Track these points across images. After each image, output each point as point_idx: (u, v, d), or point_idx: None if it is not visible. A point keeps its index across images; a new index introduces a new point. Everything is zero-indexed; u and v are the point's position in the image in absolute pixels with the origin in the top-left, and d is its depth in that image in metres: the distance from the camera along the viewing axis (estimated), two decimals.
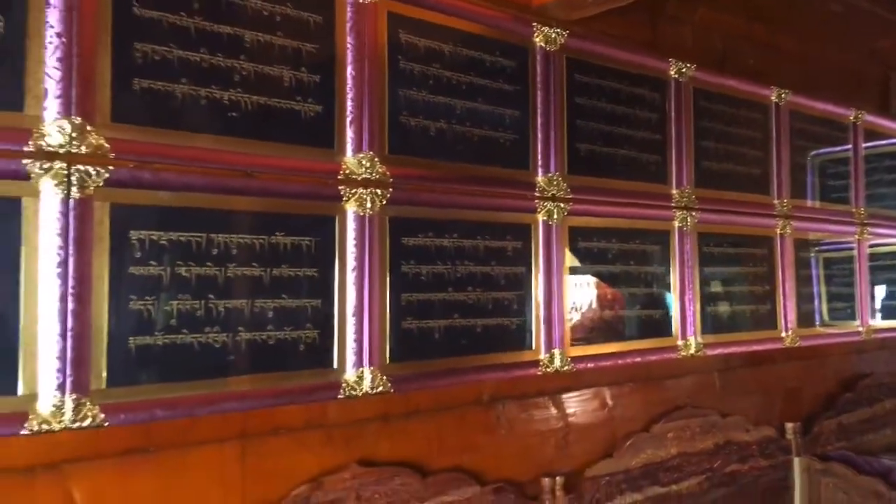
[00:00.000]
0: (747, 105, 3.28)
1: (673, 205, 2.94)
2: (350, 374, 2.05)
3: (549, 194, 2.54)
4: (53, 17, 1.64)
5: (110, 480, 1.72)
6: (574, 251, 2.62)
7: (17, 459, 1.62)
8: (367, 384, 2.07)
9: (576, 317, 2.61)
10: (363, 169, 2.09)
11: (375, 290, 2.10)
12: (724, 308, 3.14)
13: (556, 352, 2.52)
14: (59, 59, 1.64)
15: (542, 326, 2.51)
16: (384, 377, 2.10)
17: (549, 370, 2.50)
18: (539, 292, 2.51)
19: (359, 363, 2.06)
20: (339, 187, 2.05)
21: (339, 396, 2.03)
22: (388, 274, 2.15)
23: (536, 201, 2.51)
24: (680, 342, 2.93)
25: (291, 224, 1.97)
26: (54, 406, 1.61)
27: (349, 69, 2.09)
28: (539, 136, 2.54)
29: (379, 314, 2.11)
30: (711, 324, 3.07)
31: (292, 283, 1.96)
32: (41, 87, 1.62)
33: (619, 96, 2.80)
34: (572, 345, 2.58)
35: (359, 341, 2.06)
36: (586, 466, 2.63)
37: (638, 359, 2.78)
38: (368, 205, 2.10)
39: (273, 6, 1.96)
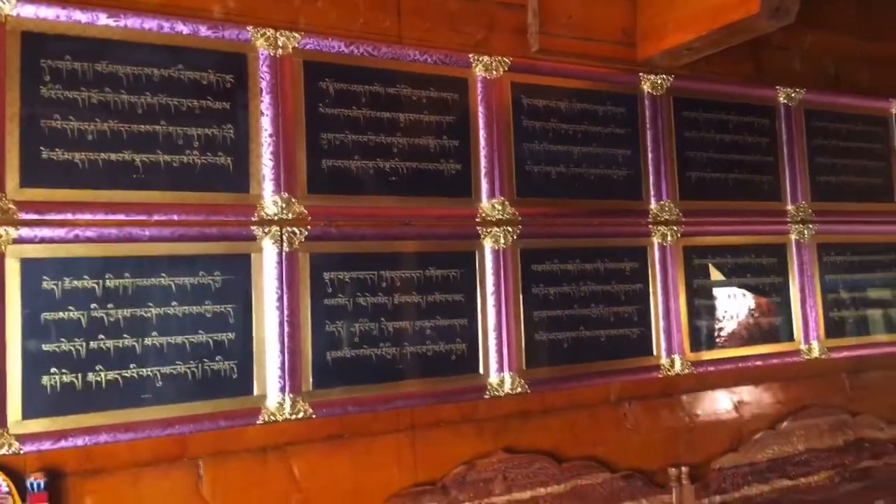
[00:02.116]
0: (864, 119, 3.44)
1: (788, 219, 3.18)
2: (494, 378, 2.54)
3: (662, 219, 2.90)
4: (267, 123, 2.28)
5: (318, 458, 2.31)
6: (689, 267, 2.95)
7: (254, 442, 2.24)
8: (507, 386, 2.55)
9: (698, 324, 2.93)
10: (496, 211, 2.59)
11: (511, 309, 2.58)
12: (849, 314, 3.30)
13: (676, 357, 2.87)
14: (272, 153, 2.28)
15: (662, 335, 2.87)
16: (521, 380, 2.57)
17: (670, 373, 2.85)
18: (657, 305, 2.87)
19: (500, 369, 2.55)
20: (478, 228, 2.56)
21: (486, 396, 2.53)
22: (521, 295, 2.62)
23: (650, 226, 2.89)
24: (803, 346, 3.15)
25: (441, 260, 2.51)
26: (278, 403, 2.23)
27: (481, 133, 2.60)
28: (650, 169, 2.92)
29: (515, 329, 2.59)
30: (837, 329, 3.25)
31: (444, 306, 2.49)
32: (260, 173, 2.26)
33: (727, 126, 3.11)
34: (692, 350, 2.91)
35: (499, 351, 2.55)
36: (711, 460, 2.93)
37: (759, 363, 3.04)
38: (502, 240, 2.59)
39: (420, 92, 2.52)
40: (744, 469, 2.95)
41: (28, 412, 1.92)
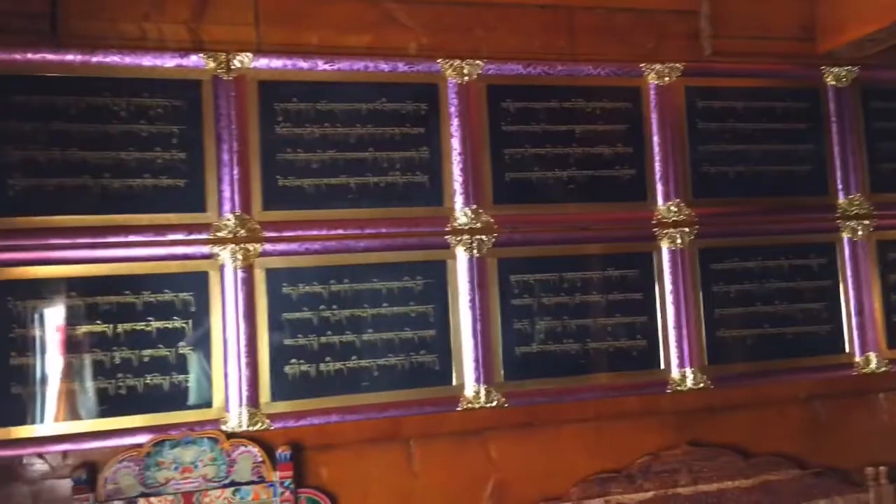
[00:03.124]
0: None
1: None
2: (675, 374, 2.64)
3: (852, 213, 2.84)
4: (456, 143, 2.56)
5: (512, 443, 2.55)
6: (883, 262, 2.85)
7: (455, 427, 2.52)
8: (689, 382, 2.64)
9: (895, 320, 2.83)
10: (672, 213, 2.69)
11: (690, 307, 2.67)
12: None
13: (872, 355, 2.79)
14: (461, 169, 2.55)
15: (855, 332, 2.80)
16: (704, 376, 2.65)
17: (864, 371, 2.78)
18: (849, 301, 2.81)
19: (681, 365, 2.65)
20: (654, 229, 2.68)
21: (668, 391, 2.63)
22: (700, 293, 2.70)
23: (838, 221, 2.83)
24: None
25: (619, 261, 2.65)
26: (474, 392, 2.49)
27: (655, 138, 2.72)
28: (837, 163, 2.86)
29: (695, 326, 2.67)
30: None
31: (624, 305, 2.64)
32: (452, 188, 2.55)
33: None
34: (889, 347, 2.81)
35: (679, 348, 2.65)
36: None
37: None
38: (679, 241, 2.69)
39: (594, 103, 2.69)
40: None
41: (275, 395, 2.33)
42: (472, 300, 2.52)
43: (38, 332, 2.17)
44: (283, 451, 2.27)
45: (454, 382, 2.49)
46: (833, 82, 2.88)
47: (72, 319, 2.20)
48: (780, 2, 2.80)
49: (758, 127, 2.83)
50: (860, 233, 2.84)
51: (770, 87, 2.84)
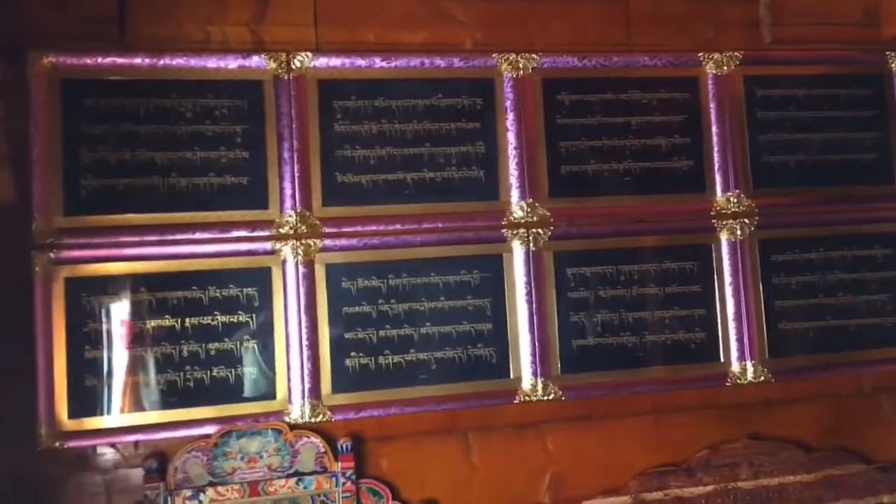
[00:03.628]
0: None
1: None
2: (735, 367, 2.61)
3: None
4: (511, 137, 2.56)
5: (569, 436, 2.56)
6: None
7: (513, 419, 2.54)
8: (750, 375, 2.61)
9: None
10: (731, 204, 2.65)
11: (750, 299, 2.63)
12: None
13: None
14: (517, 163, 2.56)
15: None
16: (764, 369, 2.61)
17: None
18: None
19: (741, 358, 2.61)
20: (713, 221, 2.64)
21: (727, 384, 2.61)
22: (760, 285, 2.65)
23: None
24: None
25: (677, 253, 2.63)
26: (531, 385, 2.50)
27: (713, 128, 2.68)
28: None
29: (756, 318, 2.63)
30: None
31: (682, 297, 2.62)
32: (508, 182, 2.55)
33: None
34: None
35: (740, 340, 2.61)
36: None
37: None
38: (738, 232, 2.65)
39: (650, 94, 2.66)
40: None
41: (336, 388, 2.38)
42: (529, 293, 2.52)
43: (109, 327, 2.26)
44: (344, 443, 2.32)
45: (511, 375, 2.50)
46: None
47: (141, 314, 2.27)
48: None
49: (819, 115, 2.76)
50: None
51: (832, 73, 2.77)
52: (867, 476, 2.63)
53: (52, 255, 2.21)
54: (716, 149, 2.67)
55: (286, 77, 2.40)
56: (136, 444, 2.27)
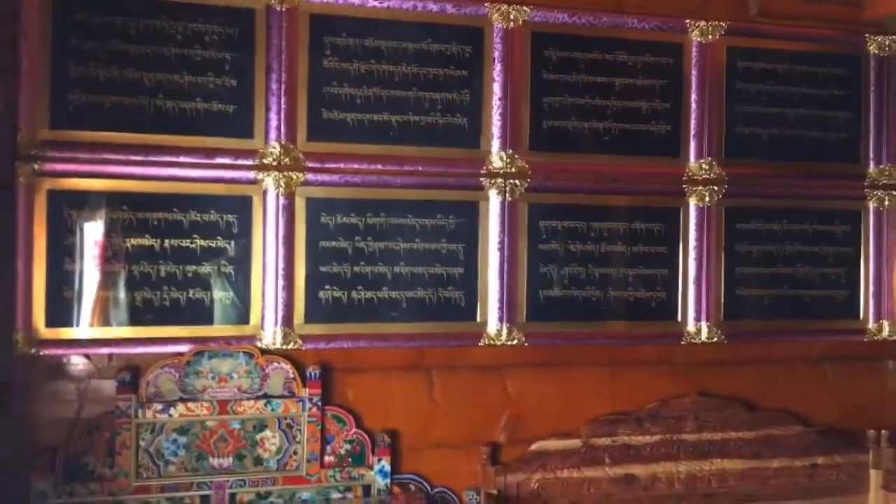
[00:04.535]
0: None
1: None
2: (691, 327, 2.74)
3: (880, 183, 2.88)
4: (497, 88, 2.61)
5: (529, 380, 2.67)
6: None
7: (476, 360, 2.64)
8: (704, 335, 2.74)
9: None
10: (703, 171, 2.74)
11: (712, 263, 2.75)
12: None
13: (885, 322, 2.87)
14: (500, 114, 2.61)
15: (871, 299, 2.87)
16: (718, 331, 2.74)
17: (877, 338, 2.87)
18: (868, 269, 2.87)
19: (698, 319, 2.74)
20: (684, 186, 2.74)
21: (682, 343, 2.73)
22: (722, 252, 2.77)
23: (866, 190, 2.88)
24: None
25: (646, 214, 2.72)
26: (496, 330, 2.60)
27: (693, 96, 2.75)
28: (871, 132, 2.89)
29: (715, 282, 2.75)
30: None
31: (647, 257, 2.72)
32: (490, 132, 2.61)
33: None
34: None
35: (698, 301, 2.74)
36: None
37: None
38: (707, 198, 2.74)
39: (635, 57, 2.72)
40: None
41: (308, 318, 2.46)
42: (501, 242, 2.60)
43: (89, 242, 2.30)
44: (312, 370, 2.41)
45: (478, 319, 2.60)
46: (876, 51, 2.88)
47: (122, 232, 2.32)
48: None
49: (796, 91, 2.85)
50: (887, 203, 2.88)
51: (812, 51, 2.85)
52: (805, 438, 2.79)
53: (35, 166, 2.24)
54: (693, 116, 2.75)
55: (279, 8, 2.41)
56: (109, 356, 2.33)
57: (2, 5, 2.21)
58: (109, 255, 2.31)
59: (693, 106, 2.75)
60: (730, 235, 2.78)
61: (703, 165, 2.75)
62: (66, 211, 2.27)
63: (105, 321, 2.31)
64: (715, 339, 2.74)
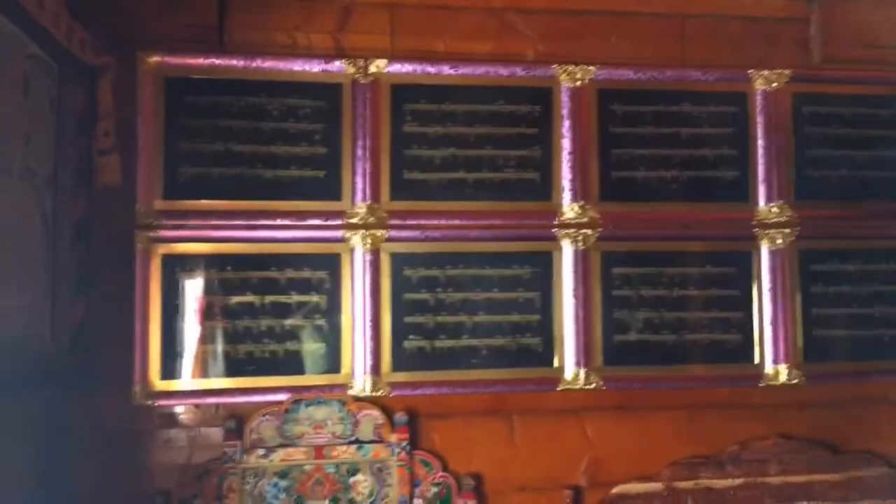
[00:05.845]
0: None
1: None
2: (769, 369, 2.77)
3: None
4: (566, 143, 2.75)
5: (607, 424, 2.74)
6: None
7: (554, 405, 2.72)
8: (783, 377, 2.76)
9: None
10: (773, 214, 2.80)
11: (787, 305, 2.78)
12: None
13: None
14: (570, 167, 2.74)
15: None
16: (798, 372, 2.76)
17: None
18: None
19: (776, 361, 2.76)
20: (754, 230, 2.79)
21: (761, 385, 2.76)
22: (798, 293, 2.80)
23: None
24: None
25: (717, 258, 2.79)
26: (574, 375, 2.69)
27: (760, 142, 2.82)
28: None
29: (791, 324, 2.78)
30: None
31: (721, 300, 2.78)
32: (561, 185, 2.74)
33: None
34: None
35: (775, 344, 2.76)
36: None
37: None
38: (779, 241, 2.79)
39: (700, 108, 2.82)
40: None
41: (395, 366, 2.61)
42: (576, 289, 2.71)
43: (198, 300, 2.52)
44: (400, 416, 2.55)
45: (555, 364, 2.70)
46: None
47: (226, 290, 2.54)
48: (891, 10, 2.83)
49: (863, 133, 2.89)
50: None
51: (876, 94, 2.89)
52: (892, 478, 2.75)
53: (151, 234, 2.49)
54: (761, 161, 2.82)
55: (363, 81, 2.63)
56: (216, 406, 2.53)
57: (122, 90, 2.49)
58: (215, 312, 2.52)
59: (760, 151, 2.82)
60: (805, 277, 2.81)
61: (774, 209, 2.80)
62: (178, 273, 2.51)
63: (211, 373, 2.52)
64: (795, 381, 2.76)
